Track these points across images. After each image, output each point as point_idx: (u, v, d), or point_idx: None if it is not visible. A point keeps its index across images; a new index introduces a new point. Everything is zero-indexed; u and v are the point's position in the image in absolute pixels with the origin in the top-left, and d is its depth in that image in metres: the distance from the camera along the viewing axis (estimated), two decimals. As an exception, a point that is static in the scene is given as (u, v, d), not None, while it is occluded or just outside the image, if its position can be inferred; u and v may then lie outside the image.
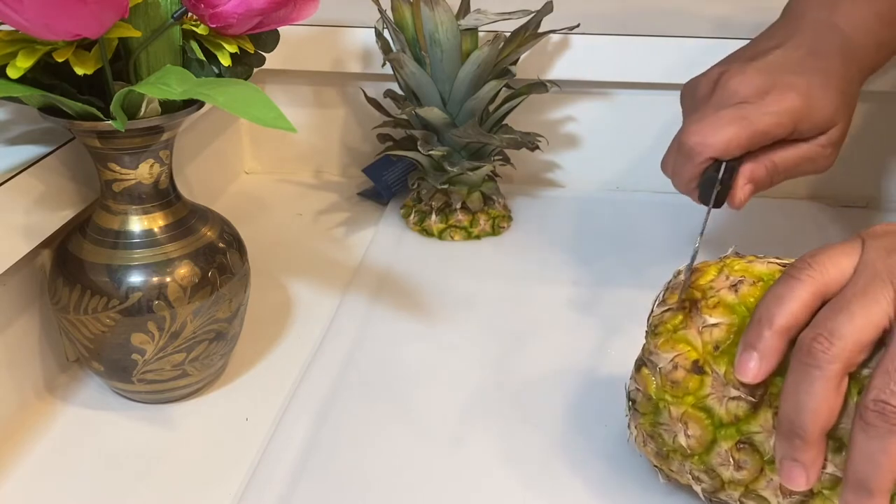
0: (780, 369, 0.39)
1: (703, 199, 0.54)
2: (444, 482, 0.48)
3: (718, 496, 0.43)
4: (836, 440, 0.38)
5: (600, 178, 0.84)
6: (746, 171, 0.54)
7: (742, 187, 0.54)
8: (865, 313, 0.37)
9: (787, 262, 0.43)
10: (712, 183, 0.53)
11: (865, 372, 0.38)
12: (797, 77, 0.54)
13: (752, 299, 0.41)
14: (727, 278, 0.43)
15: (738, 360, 0.39)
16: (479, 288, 0.67)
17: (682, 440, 0.41)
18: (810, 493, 0.39)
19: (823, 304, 0.39)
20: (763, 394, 0.40)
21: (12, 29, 0.41)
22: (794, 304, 0.38)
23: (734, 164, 0.54)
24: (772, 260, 0.44)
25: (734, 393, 0.40)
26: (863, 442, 0.36)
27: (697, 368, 0.41)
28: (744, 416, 0.40)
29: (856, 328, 0.37)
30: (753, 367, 0.39)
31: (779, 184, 0.56)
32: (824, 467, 0.38)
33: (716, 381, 0.40)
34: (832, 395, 0.37)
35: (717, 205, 0.54)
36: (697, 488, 0.43)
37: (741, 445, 0.40)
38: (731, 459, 0.40)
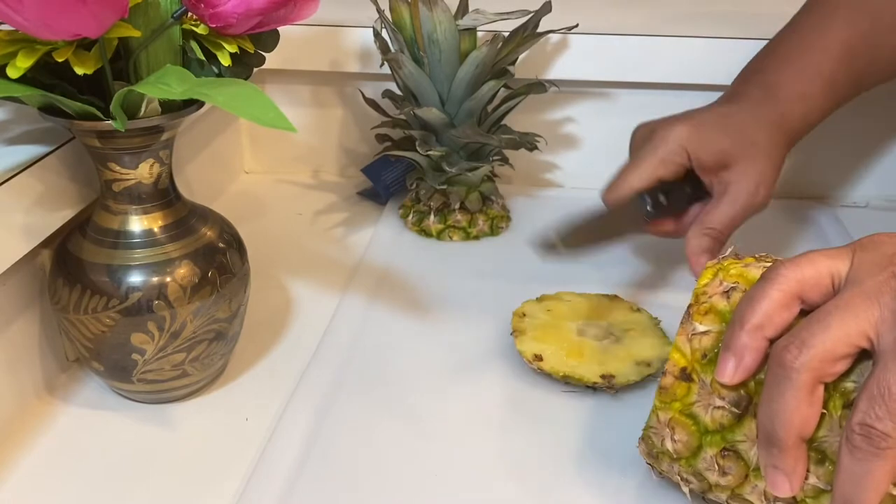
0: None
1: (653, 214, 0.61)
2: (443, 481, 0.48)
3: (708, 497, 0.43)
4: (818, 452, 0.38)
5: (599, 178, 0.83)
6: (692, 247, 0.60)
7: (697, 262, 0.59)
8: (841, 325, 0.36)
9: None
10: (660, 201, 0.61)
11: (849, 385, 0.37)
12: (683, 117, 0.60)
13: None
14: (721, 283, 0.42)
15: (717, 363, 0.40)
16: (478, 288, 0.67)
17: (669, 445, 0.42)
18: (794, 501, 0.40)
19: (805, 309, 0.39)
20: (747, 404, 0.40)
21: (12, 29, 0.41)
22: (764, 304, 0.39)
23: (672, 188, 0.60)
24: (768, 263, 0.43)
25: (719, 402, 0.40)
26: (849, 463, 0.36)
27: (685, 375, 0.41)
28: (728, 424, 0.40)
29: (828, 339, 0.36)
30: (730, 369, 0.39)
31: (736, 229, 0.60)
32: (807, 478, 0.38)
33: (702, 390, 0.41)
34: (804, 404, 0.37)
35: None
36: (685, 489, 0.43)
37: (726, 453, 0.40)
38: (716, 465, 0.41)
